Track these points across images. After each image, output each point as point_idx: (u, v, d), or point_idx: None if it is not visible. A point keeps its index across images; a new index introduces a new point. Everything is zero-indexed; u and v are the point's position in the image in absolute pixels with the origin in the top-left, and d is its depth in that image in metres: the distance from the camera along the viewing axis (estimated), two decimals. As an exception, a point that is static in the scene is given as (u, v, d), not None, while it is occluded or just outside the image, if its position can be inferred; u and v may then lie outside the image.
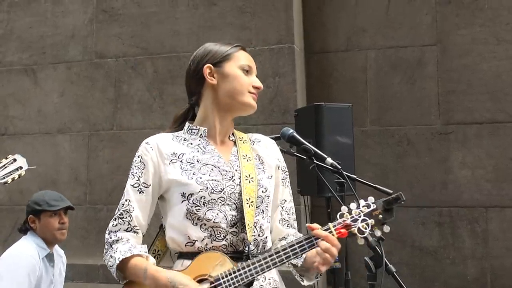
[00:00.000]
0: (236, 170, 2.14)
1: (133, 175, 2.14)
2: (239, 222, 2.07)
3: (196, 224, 2.06)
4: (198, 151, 2.15)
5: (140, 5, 6.41)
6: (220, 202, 2.06)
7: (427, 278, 5.71)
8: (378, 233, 2.05)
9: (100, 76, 6.46)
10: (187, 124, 2.24)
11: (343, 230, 2.03)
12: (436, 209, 5.76)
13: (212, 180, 2.08)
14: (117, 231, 2.11)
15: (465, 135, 5.75)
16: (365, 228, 2.04)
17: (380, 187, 2.75)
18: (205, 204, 2.05)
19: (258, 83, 2.26)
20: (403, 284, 2.26)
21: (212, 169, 2.11)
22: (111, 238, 2.10)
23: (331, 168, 2.53)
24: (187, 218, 2.06)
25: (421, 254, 5.76)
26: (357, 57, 6.12)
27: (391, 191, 2.74)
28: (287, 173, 2.41)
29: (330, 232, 2.03)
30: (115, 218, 2.13)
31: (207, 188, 2.06)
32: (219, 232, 2.05)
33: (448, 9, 5.92)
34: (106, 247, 2.11)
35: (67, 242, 6.07)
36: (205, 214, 2.05)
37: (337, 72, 6.18)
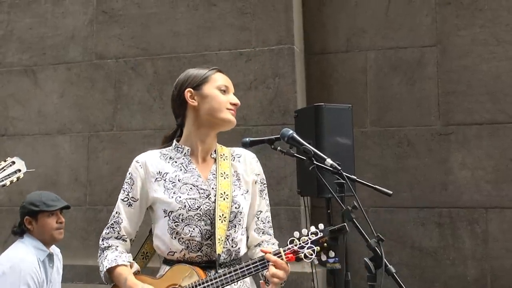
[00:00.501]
0: (212, 188, 2.39)
1: (124, 190, 2.45)
2: (212, 236, 2.32)
3: (175, 237, 2.34)
4: (180, 169, 2.40)
5: (140, 6, 6.41)
6: (197, 218, 2.32)
7: (427, 279, 5.72)
8: (324, 257, 2.24)
9: (100, 77, 6.47)
10: (174, 141, 2.48)
11: (290, 255, 2.24)
12: (436, 210, 5.76)
13: (190, 198, 2.34)
14: (109, 238, 2.41)
15: (465, 136, 5.76)
16: (311, 255, 2.23)
17: (380, 188, 2.75)
18: (183, 220, 2.32)
19: (235, 100, 2.52)
20: (403, 285, 2.27)
21: (191, 188, 2.37)
22: (103, 244, 2.40)
23: (331, 169, 2.53)
24: (168, 232, 2.35)
25: (421, 255, 5.76)
26: (357, 58, 6.13)
27: (390, 192, 2.74)
28: (265, 185, 2.63)
29: (280, 256, 2.23)
30: (108, 227, 2.44)
31: (185, 206, 2.32)
32: (195, 245, 2.33)
33: (448, 10, 5.93)
34: (99, 252, 2.41)
35: (67, 243, 6.09)
36: (182, 229, 2.32)
37: (337, 73, 6.18)
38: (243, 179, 2.53)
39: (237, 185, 2.48)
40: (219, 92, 2.46)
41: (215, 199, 2.35)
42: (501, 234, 5.59)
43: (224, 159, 2.52)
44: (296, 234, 2.26)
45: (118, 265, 2.35)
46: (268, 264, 2.23)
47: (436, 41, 5.93)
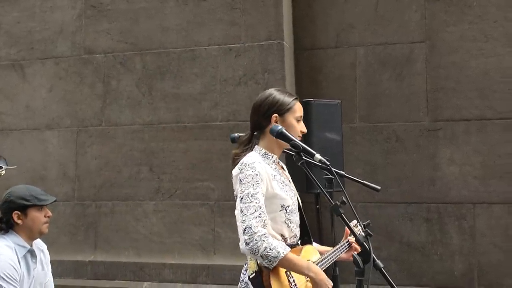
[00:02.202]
0: (292, 188, 2.88)
1: (254, 185, 2.67)
2: (303, 225, 2.90)
3: (289, 226, 2.78)
4: (278, 172, 2.83)
5: (129, 0, 6.39)
6: (296, 212, 2.85)
7: (415, 273, 5.75)
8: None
9: (89, 72, 6.44)
10: (260, 148, 2.84)
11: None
12: (424, 205, 5.79)
13: (291, 196, 2.83)
14: (258, 226, 2.57)
15: (453, 132, 5.79)
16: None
17: (369, 183, 2.77)
18: (291, 213, 2.80)
19: (304, 129, 2.86)
20: (390, 280, 2.29)
21: (290, 188, 2.86)
22: (259, 232, 2.55)
23: (320, 164, 2.54)
24: (284, 222, 2.75)
25: (409, 250, 5.80)
26: (346, 54, 6.14)
27: (379, 187, 2.76)
28: None
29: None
30: (255, 216, 2.58)
31: (292, 202, 2.82)
32: (296, 232, 2.84)
33: (436, 6, 5.95)
34: (257, 238, 2.54)
35: (55, 238, 6.09)
36: (292, 220, 2.81)
37: (326, 69, 6.19)
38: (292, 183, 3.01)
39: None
40: (296, 122, 2.83)
41: (296, 197, 2.89)
42: (489, 229, 5.63)
43: (283, 168, 2.98)
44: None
45: (290, 251, 2.62)
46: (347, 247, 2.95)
47: (425, 37, 5.95)
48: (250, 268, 2.68)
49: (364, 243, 2.31)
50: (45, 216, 3.47)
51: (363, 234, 2.36)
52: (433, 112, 5.86)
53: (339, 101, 4.86)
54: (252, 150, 2.83)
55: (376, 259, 2.27)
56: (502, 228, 5.60)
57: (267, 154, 2.82)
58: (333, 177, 2.56)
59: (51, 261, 3.69)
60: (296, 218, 2.82)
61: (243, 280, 2.74)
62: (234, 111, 5.89)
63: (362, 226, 2.67)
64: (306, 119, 4.51)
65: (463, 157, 5.75)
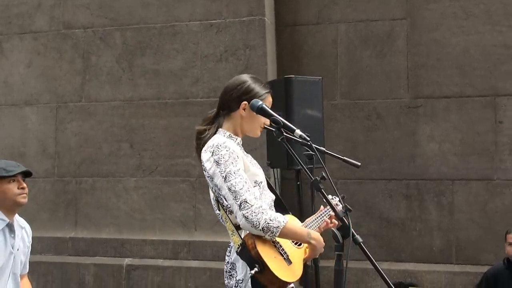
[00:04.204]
0: (259, 167, 2.88)
1: (233, 163, 2.67)
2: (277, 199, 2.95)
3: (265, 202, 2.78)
4: (244, 153, 2.83)
5: (108, -26, 6.31)
6: (266, 186, 2.87)
7: (394, 249, 5.82)
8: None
9: (68, 47, 6.37)
10: (224, 131, 2.84)
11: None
12: (404, 181, 5.85)
13: (262, 173, 2.86)
14: (252, 199, 2.59)
15: (433, 109, 5.83)
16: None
17: (349, 159, 2.79)
18: (264, 189, 2.81)
19: (267, 122, 2.84)
20: (369, 254, 2.31)
21: (257, 165, 2.87)
22: (256, 204, 2.57)
23: (300, 140, 2.55)
24: (260, 198, 2.71)
25: (388, 225, 5.86)
26: (328, 31, 6.13)
27: (359, 164, 2.77)
28: None
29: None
30: (246, 190, 2.59)
31: (263, 178, 2.84)
32: (271, 206, 2.84)
33: (418, -17, 5.95)
34: (255, 211, 2.55)
35: (35, 215, 6.06)
36: (266, 195, 2.82)
37: (308, 45, 6.18)
38: None
39: None
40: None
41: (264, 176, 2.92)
42: (467, 206, 5.71)
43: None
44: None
45: (288, 221, 2.65)
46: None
47: (406, 14, 5.96)
48: (235, 243, 2.69)
49: (344, 218, 2.34)
50: (19, 188, 3.43)
51: (343, 210, 2.38)
52: (414, 89, 5.89)
53: (320, 77, 4.85)
54: (216, 132, 2.85)
55: (355, 234, 2.29)
56: (480, 204, 5.68)
57: (231, 137, 2.83)
58: (313, 153, 2.56)
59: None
60: (269, 194, 2.85)
61: (228, 261, 2.75)
62: (215, 88, 5.87)
63: (342, 202, 2.69)
64: (287, 95, 4.53)
65: (443, 134, 5.79)
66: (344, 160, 2.78)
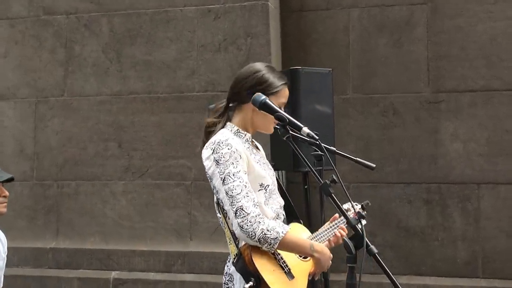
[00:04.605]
0: (270, 168, 2.93)
1: (233, 163, 2.67)
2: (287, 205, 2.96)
3: (271, 208, 2.80)
4: (252, 152, 2.85)
5: (94, -46, 6.31)
6: (276, 192, 2.89)
7: (413, 261, 5.81)
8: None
9: (49, 35, 6.37)
10: (232, 125, 2.85)
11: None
12: (424, 185, 5.83)
13: (270, 175, 2.88)
14: (249, 206, 2.60)
15: (457, 104, 5.81)
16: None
17: (362, 161, 2.78)
18: (272, 193, 2.82)
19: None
20: (386, 268, 2.30)
21: (267, 166, 2.91)
22: (253, 212, 2.58)
23: (308, 139, 2.54)
24: (263, 202, 2.75)
25: (407, 235, 5.84)
26: (339, 16, 6.12)
27: (373, 165, 2.77)
28: None
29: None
30: (244, 196, 2.61)
31: (272, 181, 2.86)
32: (279, 213, 2.86)
33: (440, -36, 5.94)
34: (251, 220, 2.56)
35: (12, 223, 6.05)
36: (273, 200, 2.83)
37: (317, 33, 6.17)
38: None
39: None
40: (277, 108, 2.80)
41: (276, 178, 2.96)
42: (494, 212, 5.69)
43: (258, 146, 3.02)
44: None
45: (288, 231, 2.66)
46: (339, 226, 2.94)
47: (426, -2, 5.95)
48: (231, 253, 2.71)
49: (357, 226, 2.32)
50: (0, 196, 3.44)
51: (356, 216, 2.36)
52: (435, 82, 5.87)
53: (330, 69, 4.85)
54: (224, 126, 2.85)
55: (370, 244, 2.28)
56: (509, 210, 5.67)
57: (239, 132, 2.84)
58: (322, 153, 2.56)
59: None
60: (278, 199, 2.85)
61: (226, 272, 2.76)
62: (213, 81, 5.87)
63: (358, 207, 2.69)
64: (294, 89, 4.51)
65: (468, 132, 5.78)
66: (357, 161, 2.77)
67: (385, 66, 5.99)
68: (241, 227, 2.54)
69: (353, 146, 5.87)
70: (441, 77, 5.87)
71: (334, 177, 2.43)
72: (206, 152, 2.73)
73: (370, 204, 2.74)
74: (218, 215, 2.80)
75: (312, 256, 2.69)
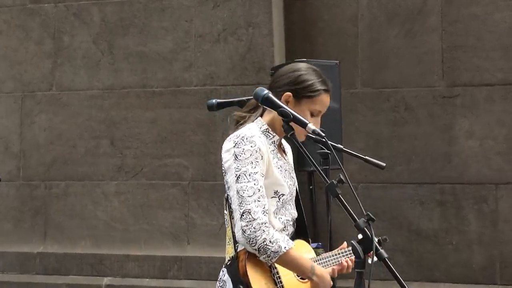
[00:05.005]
0: (292, 176, 2.91)
1: (253, 163, 2.69)
2: (300, 219, 2.95)
3: (276, 217, 2.79)
4: (277, 155, 2.84)
5: None
6: (291, 203, 2.89)
7: (426, 266, 5.82)
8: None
9: (36, 25, 6.38)
10: (262, 122, 2.84)
11: None
12: (437, 186, 5.84)
13: (290, 184, 2.86)
14: (257, 212, 2.62)
15: (473, 99, 5.82)
16: None
17: (372, 159, 2.80)
18: (285, 203, 2.83)
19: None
20: (396, 273, 2.32)
21: (288, 175, 2.88)
22: (259, 219, 2.60)
23: (313, 136, 2.56)
24: (272, 211, 2.76)
25: (419, 238, 5.86)
26: (347, 4, 6.12)
27: (383, 164, 2.79)
28: None
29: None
30: (255, 200, 2.63)
31: (289, 191, 2.85)
32: (288, 225, 2.86)
33: None
34: (255, 226, 2.59)
35: (-3, 225, 6.08)
36: (285, 211, 2.84)
37: (323, 23, 6.18)
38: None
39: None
40: (309, 114, 2.80)
41: (296, 190, 2.94)
42: (513, 214, 5.71)
43: (285, 152, 2.99)
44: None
45: (292, 248, 2.67)
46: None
47: (440, -15, 5.95)
48: (227, 253, 2.73)
49: (366, 229, 2.34)
50: None
51: (364, 219, 2.38)
52: (450, 75, 5.88)
53: (337, 61, 4.87)
54: (253, 121, 2.86)
55: (380, 248, 2.30)
56: (529, 213, 5.69)
57: (268, 132, 2.83)
58: (329, 151, 2.59)
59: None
60: (291, 211, 2.86)
61: (220, 278, 2.78)
62: (212, 74, 5.88)
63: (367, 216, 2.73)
64: (298, 83, 4.53)
65: (484, 129, 5.79)
66: (366, 160, 2.79)
67: (396, 57, 6.00)
68: (244, 231, 2.57)
69: (362, 144, 5.88)
70: (456, 69, 5.87)
71: (341, 176, 2.43)
72: (227, 144, 2.74)
73: (388, 240, 2.75)
74: (225, 211, 2.82)
75: (310, 279, 2.70)
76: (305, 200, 4.60)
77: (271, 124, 2.83)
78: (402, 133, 5.95)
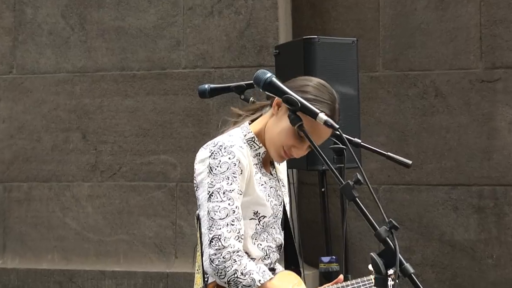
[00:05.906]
0: (279, 195, 2.94)
1: (232, 178, 2.69)
2: (288, 245, 2.98)
3: (255, 243, 2.82)
4: (260, 169, 2.86)
5: None
6: (276, 226, 2.91)
7: (461, 284, 5.84)
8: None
9: (-7, -4, 6.41)
10: (249, 129, 2.83)
11: None
12: (475, 188, 5.86)
13: (275, 204, 2.88)
14: (230, 238, 2.65)
15: (517, 84, 5.84)
16: None
17: (395, 156, 2.81)
18: (267, 227, 2.85)
19: (296, 154, 2.80)
20: (425, 291, 2.33)
21: (273, 193, 2.90)
22: (231, 246, 2.63)
23: (326, 127, 2.56)
24: (250, 237, 2.79)
25: (452, 251, 5.87)
26: (366, -29, 6.15)
27: (409, 162, 2.79)
28: None
29: None
30: (227, 224, 2.66)
31: (273, 213, 2.87)
32: (270, 252, 2.88)
33: None
34: (225, 256, 2.61)
35: None
36: (266, 236, 2.87)
37: (337, -7, 6.20)
38: (285, 185, 3.09)
39: (285, 192, 3.04)
40: (297, 133, 2.71)
41: (283, 207, 2.97)
42: None
43: (277, 165, 3.01)
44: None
45: (268, 280, 2.70)
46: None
47: None
48: (196, 284, 2.76)
49: (388, 239, 2.34)
50: None
51: (386, 227, 2.38)
52: (489, 56, 5.89)
53: (355, 39, 4.86)
54: (240, 126, 2.86)
55: (405, 262, 2.30)
56: None
57: (253, 142, 2.83)
58: (344, 147, 2.59)
59: None
60: (275, 235, 2.88)
61: None
62: (204, 53, 5.89)
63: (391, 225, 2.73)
64: (308, 64, 4.54)
65: (531, 119, 5.81)
66: (388, 157, 2.80)
67: (425, 35, 6.01)
68: (212, 261, 2.59)
69: (383, 138, 5.89)
70: (497, 49, 5.88)
71: (358, 176, 2.43)
72: (202, 153, 2.75)
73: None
74: (197, 233, 2.82)
75: None
76: (314, 205, 4.61)
77: (259, 134, 2.83)
78: (431, 125, 5.96)
